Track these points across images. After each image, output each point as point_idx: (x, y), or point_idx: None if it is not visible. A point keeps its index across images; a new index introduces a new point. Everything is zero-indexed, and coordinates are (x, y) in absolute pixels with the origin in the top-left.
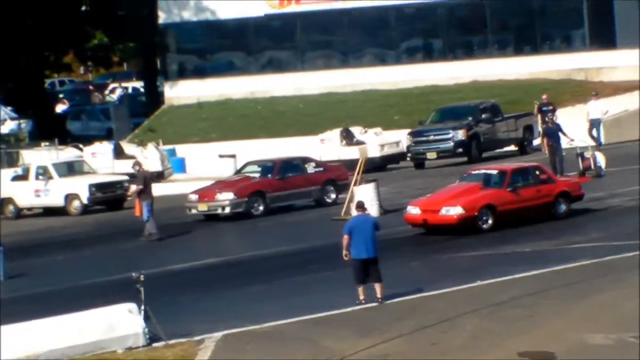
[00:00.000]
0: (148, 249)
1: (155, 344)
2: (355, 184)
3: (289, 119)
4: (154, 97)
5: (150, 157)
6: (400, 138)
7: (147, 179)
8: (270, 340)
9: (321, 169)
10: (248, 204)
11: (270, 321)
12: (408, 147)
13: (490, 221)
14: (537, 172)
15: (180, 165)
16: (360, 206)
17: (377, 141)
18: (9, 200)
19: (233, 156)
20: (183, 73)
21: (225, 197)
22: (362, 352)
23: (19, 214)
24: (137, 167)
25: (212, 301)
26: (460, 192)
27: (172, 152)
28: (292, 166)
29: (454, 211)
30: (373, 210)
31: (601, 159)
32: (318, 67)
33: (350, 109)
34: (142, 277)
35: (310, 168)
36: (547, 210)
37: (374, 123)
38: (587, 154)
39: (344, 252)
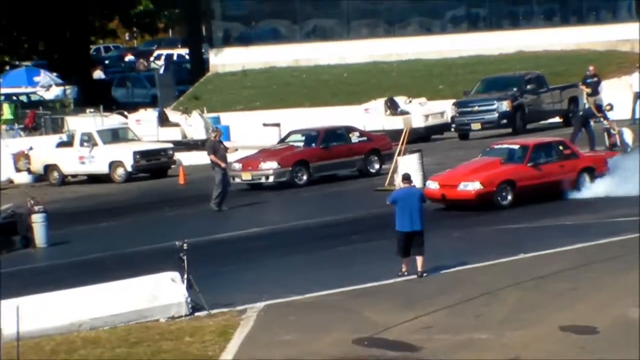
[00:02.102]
0: (191, 218)
1: (197, 314)
2: (399, 154)
3: (333, 87)
4: (199, 65)
5: (194, 125)
6: (444, 108)
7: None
8: (313, 310)
9: (365, 138)
10: (292, 174)
11: (312, 292)
12: (452, 117)
13: (509, 197)
14: (561, 147)
15: (225, 134)
16: (407, 178)
17: (421, 111)
18: (54, 167)
19: (277, 125)
20: (228, 40)
21: (269, 166)
22: (405, 324)
23: (64, 180)
24: (213, 135)
25: (255, 271)
26: (480, 167)
27: (217, 120)
28: (336, 135)
29: (472, 186)
30: (417, 180)
31: (628, 135)
32: (363, 36)
33: (394, 79)
34: (185, 246)
35: (354, 137)
36: (570, 186)
37: (418, 93)
38: (614, 130)
39: None
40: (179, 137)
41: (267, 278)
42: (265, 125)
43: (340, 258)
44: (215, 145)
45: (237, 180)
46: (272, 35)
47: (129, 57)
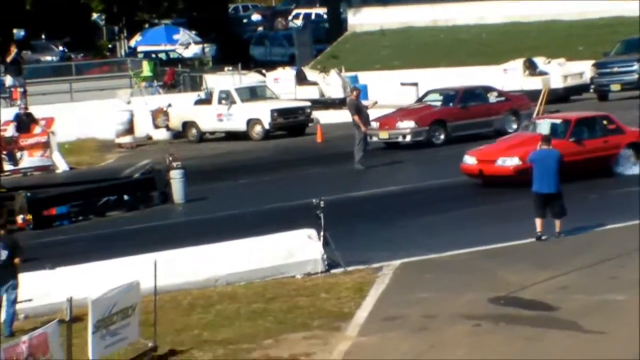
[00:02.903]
0: (328, 176)
1: (333, 271)
2: (537, 115)
3: (471, 48)
4: (337, 24)
5: (332, 84)
6: (583, 69)
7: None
8: (448, 269)
9: (503, 98)
10: (429, 133)
11: (447, 251)
12: (592, 78)
13: None
14: (605, 122)
15: (363, 93)
16: (546, 140)
17: (560, 72)
18: (192, 124)
19: (415, 84)
20: (366, 0)
21: (407, 125)
22: (540, 284)
23: (202, 137)
24: (354, 94)
25: (390, 230)
26: (519, 142)
27: (355, 80)
28: (474, 95)
29: (511, 162)
30: None
31: None
32: None
33: (533, 40)
34: (322, 204)
35: (492, 97)
36: (613, 163)
37: (557, 54)
38: None
39: None
40: (316, 96)
41: (402, 237)
42: (402, 84)
43: (474, 218)
44: (359, 105)
45: (375, 139)
46: None
47: (256, 17)
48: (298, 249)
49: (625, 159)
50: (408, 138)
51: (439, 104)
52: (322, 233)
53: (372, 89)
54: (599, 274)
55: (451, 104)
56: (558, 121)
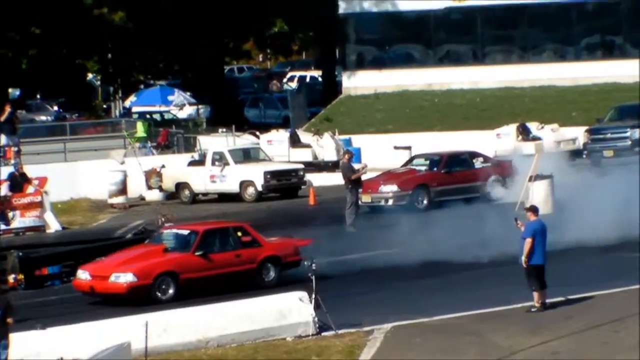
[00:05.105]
0: (320, 238)
1: (324, 333)
2: (530, 180)
3: (466, 112)
4: (332, 87)
5: (326, 147)
6: (577, 135)
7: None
8: (439, 333)
9: (489, 164)
10: (412, 197)
11: (439, 314)
12: (585, 144)
13: (171, 291)
14: (239, 233)
15: (356, 156)
16: (536, 211)
17: (553, 137)
18: (185, 185)
19: (408, 148)
20: (361, 63)
21: (389, 189)
22: (532, 349)
23: (194, 199)
24: (346, 157)
25: (383, 292)
26: (137, 256)
27: (348, 142)
28: (459, 160)
29: (124, 278)
30: (548, 206)
31: None
32: (496, 61)
33: (527, 105)
34: (314, 266)
35: (478, 163)
36: (250, 278)
37: (551, 119)
38: None
39: (524, 258)
40: (309, 158)
41: (396, 300)
42: (396, 148)
43: (467, 281)
44: (352, 167)
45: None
46: (405, 59)
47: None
48: (289, 311)
49: (265, 275)
50: (390, 202)
51: (424, 168)
52: (313, 295)
53: (366, 152)
54: (590, 339)
55: (435, 169)
56: (185, 232)
